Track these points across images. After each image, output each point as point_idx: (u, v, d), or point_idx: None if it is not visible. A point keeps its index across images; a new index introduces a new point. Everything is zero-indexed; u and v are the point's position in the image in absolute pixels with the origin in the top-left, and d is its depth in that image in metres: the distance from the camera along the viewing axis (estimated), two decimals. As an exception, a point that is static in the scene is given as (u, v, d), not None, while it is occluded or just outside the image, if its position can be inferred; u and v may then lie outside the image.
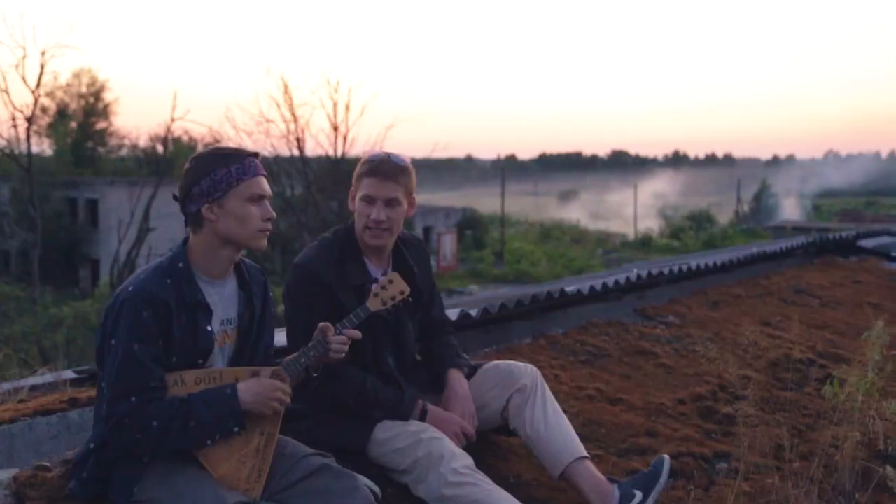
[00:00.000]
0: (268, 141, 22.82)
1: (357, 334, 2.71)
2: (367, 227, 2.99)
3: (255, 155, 2.58)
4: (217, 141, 43.48)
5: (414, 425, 2.92)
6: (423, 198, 26.88)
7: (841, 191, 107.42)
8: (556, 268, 49.33)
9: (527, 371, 3.17)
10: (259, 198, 2.52)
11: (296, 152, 22.50)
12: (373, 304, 2.79)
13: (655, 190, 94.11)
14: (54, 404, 3.51)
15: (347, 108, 22.61)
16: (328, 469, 2.51)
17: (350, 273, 3.01)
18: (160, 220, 25.18)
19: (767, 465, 3.66)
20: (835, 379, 4.23)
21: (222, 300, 2.58)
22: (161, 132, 41.81)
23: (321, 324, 2.67)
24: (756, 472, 3.57)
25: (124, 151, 49.57)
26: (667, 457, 3.02)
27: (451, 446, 2.84)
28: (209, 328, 2.53)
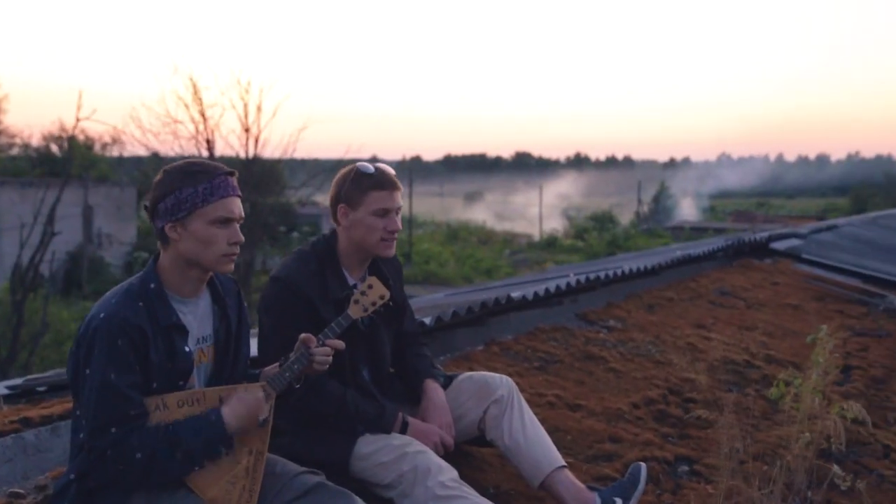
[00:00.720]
0: (176, 142, 22.23)
1: (340, 344, 2.66)
2: (382, 239, 2.98)
3: (231, 174, 2.45)
4: (115, 141, 42.16)
5: (397, 438, 2.90)
6: (306, 197, 26.61)
7: (733, 192, 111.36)
8: (465, 268, 49.57)
9: (502, 382, 3.19)
10: (226, 220, 2.39)
11: (205, 153, 21.96)
12: (354, 312, 2.75)
13: (559, 191, 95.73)
14: (4, 424, 3.36)
15: (259, 109, 22.23)
16: (323, 487, 2.47)
17: (331, 286, 2.97)
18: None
19: (724, 466, 3.76)
20: (780, 381, 4.40)
21: (196, 318, 2.50)
22: (55, 131, 40.33)
23: (302, 335, 2.61)
24: (717, 474, 3.66)
25: (15, 151, 47.52)
26: (643, 464, 3.08)
27: (436, 459, 2.82)
28: (187, 349, 2.44)
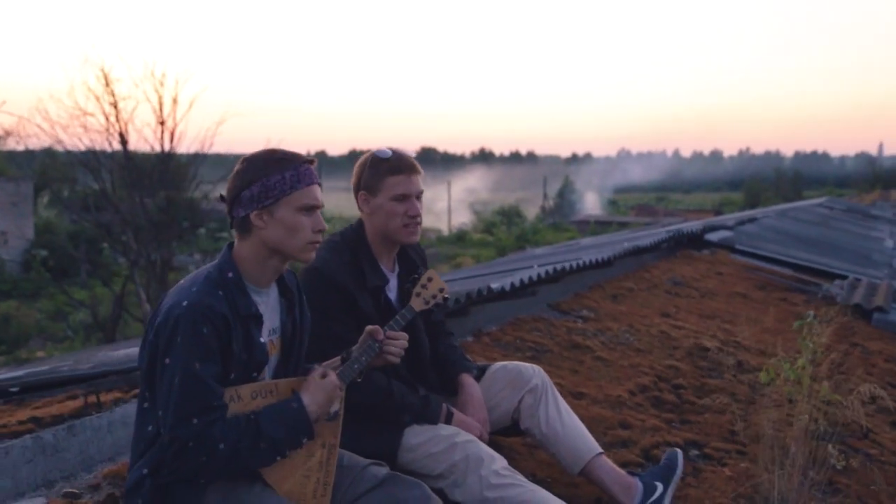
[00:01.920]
0: (86, 135, 21.40)
1: (405, 336, 2.63)
2: (405, 224, 2.94)
3: (312, 161, 2.43)
4: (10, 134, 40.41)
5: (445, 429, 2.88)
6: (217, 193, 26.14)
7: (634, 187, 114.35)
8: (375, 263, 49.43)
9: (535, 371, 3.20)
10: (311, 208, 2.38)
11: (118, 147, 21.26)
12: (416, 304, 2.73)
13: (466, 186, 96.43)
14: (14, 425, 3.20)
15: (175, 101, 21.59)
16: (396, 479, 2.44)
17: (367, 275, 2.93)
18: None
19: (729, 449, 3.87)
20: (769, 367, 4.55)
21: (268, 309, 2.45)
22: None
23: (369, 327, 2.58)
24: (727, 457, 3.77)
25: None
26: (679, 451, 3.14)
27: (487, 449, 2.82)
28: (262, 340, 2.38)
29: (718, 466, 3.63)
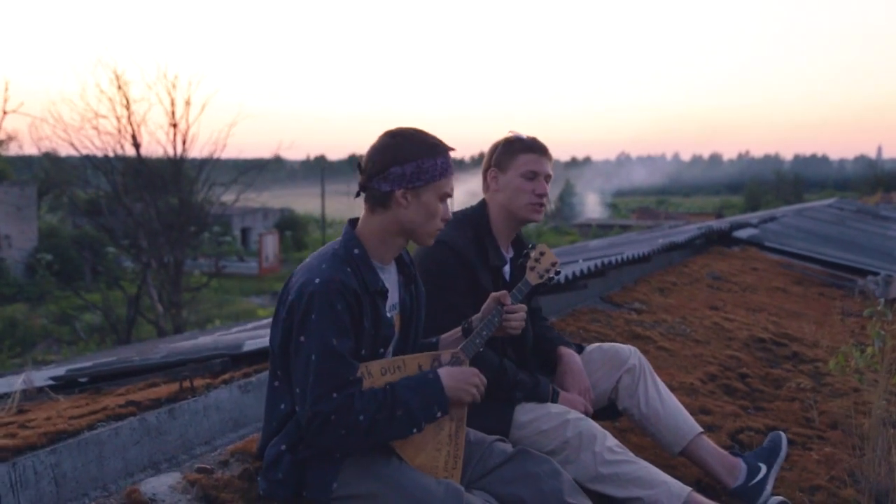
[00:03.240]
0: (98, 138, 21.39)
1: (524, 308, 2.65)
2: (531, 203, 2.98)
3: (453, 150, 2.47)
4: (11, 139, 40.35)
5: (554, 407, 2.90)
6: (232, 197, 25.95)
7: (634, 190, 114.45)
8: (379, 267, 49.50)
9: (632, 352, 3.22)
10: (446, 197, 2.43)
11: (131, 150, 21.28)
12: (532, 278, 2.76)
13: (468, 189, 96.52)
14: (115, 408, 3.21)
15: (188, 103, 21.59)
16: (526, 454, 2.46)
17: (490, 253, 2.97)
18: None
19: (810, 434, 3.89)
20: (840, 354, 4.57)
21: (390, 285, 2.47)
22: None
23: (495, 294, 2.60)
24: (809, 442, 3.78)
25: None
26: (783, 433, 3.15)
27: (598, 426, 2.83)
28: (388, 315, 2.41)
29: (805, 451, 3.64)
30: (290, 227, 57.29)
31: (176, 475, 2.43)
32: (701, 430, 3.09)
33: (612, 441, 2.80)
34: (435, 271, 2.89)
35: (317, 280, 2.25)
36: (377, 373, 2.35)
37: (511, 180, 2.99)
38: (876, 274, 9.14)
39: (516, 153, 3.00)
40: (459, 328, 2.63)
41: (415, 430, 2.32)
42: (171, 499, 2.29)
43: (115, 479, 2.89)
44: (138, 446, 3.00)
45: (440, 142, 2.40)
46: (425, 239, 2.42)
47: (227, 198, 24.33)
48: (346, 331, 2.25)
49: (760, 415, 4.05)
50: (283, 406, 2.35)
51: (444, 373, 2.37)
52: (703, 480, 3.09)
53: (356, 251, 2.36)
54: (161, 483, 2.36)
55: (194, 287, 24.97)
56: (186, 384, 3.40)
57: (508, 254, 3.12)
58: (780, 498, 2.70)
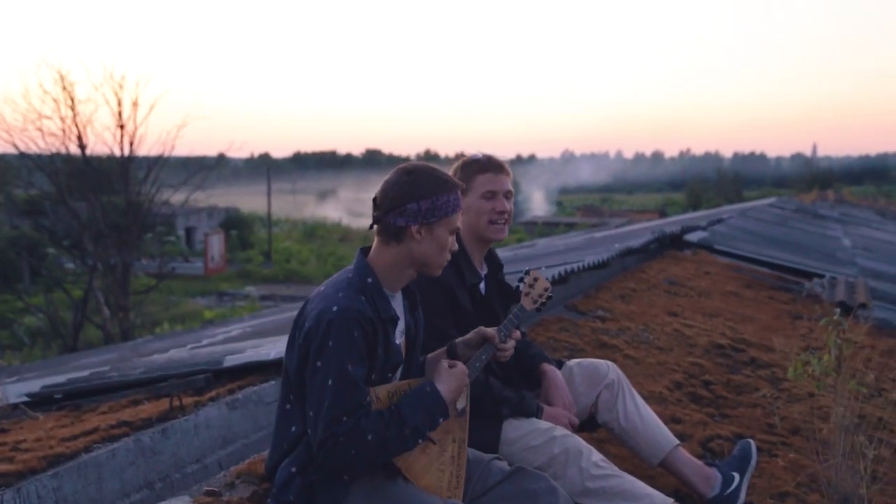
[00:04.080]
0: (42, 138, 20.96)
1: (518, 336, 2.77)
2: (491, 221, 3.08)
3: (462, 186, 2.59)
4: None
5: (541, 423, 3.01)
6: (181, 197, 25.59)
7: (579, 188, 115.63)
8: (327, 267, 49.32)
9: (610, 367, 3.35)
10: (457, 231, 2.53)
11: (76, 151, 20.89)
12: (527, 304, 2.87)
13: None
14: (106, 428, 3.25)
15: (135, 104, 21.28)
16: (523, 472, 2.57)
17: (465, 273, 3.07)
18: None
19: (774, 441, 4.08)
20: (798, 362, 4.77)
21: (398, 312, 2.56)
22: None
23: (483, 330, 2.71)
24: (775, 448, 3.97)
25: None
26: (752, 441, 3.31)
27: (583, 442, 2.96)
28: (398, 342, 2.50)
29: (771, 458, 3.82)
30: (236, 226, 56.69)
31: (185, 499, 2.49)
32: (678, 442, 3.23)
33: (597, 456, 2.92)
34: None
35: (335, 308, 2.34)
36: (385, 397, 2.45)
37: (472, 202, 3.08)
38: (821, 276, 9.48)
39: (474, 175, 3.09)
40: (444, 349, 2.74)
41: (421, 441, 2.42)
42: (185, 523, 2.35)
43: (114, 500, 2.95)
44: (134, 467, 3.05)
45: (452, 178, 2.51)
46: (435, 271, 2.52)
47: (177, 198, 24.01)
48: (362, 358, 2.35)
49: (727, 422, 4.22)
50: (293, 428, 2.43)
51: (440, 383, 2.48)
52: (680, 490, 3.23)
53: (369, 280, 2.45)
54: (173, 507, 2.41)
55: (142, 290, 24.61)
56: (176, 402, 3.45)
57: (482, 270, 3.22)
58: None
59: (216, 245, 47.59)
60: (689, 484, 3.18)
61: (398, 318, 2.50)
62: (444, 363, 2.56)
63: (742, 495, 3.13)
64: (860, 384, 4.82)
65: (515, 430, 2.99)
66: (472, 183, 3.10)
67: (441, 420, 2.46)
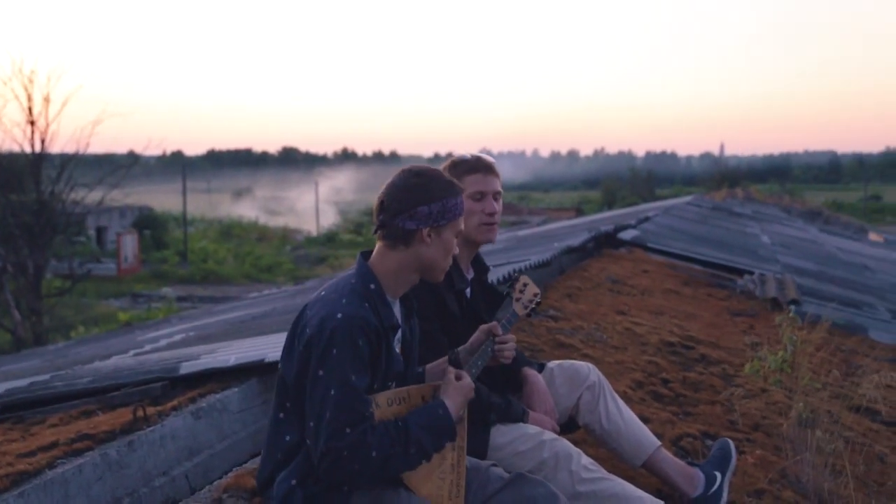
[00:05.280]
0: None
1: (514, 338, 2.73)
2: (482, 223, 3.01)
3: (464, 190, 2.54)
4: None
5: (529, 428, 2.96)
6: (92, 196, 24.64)
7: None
8: (245, 266, 48.51)
9: (590, 369, 3.33)
10: (460, 233, 2.48)
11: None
12: (518, 310, 2.82)
13: (332, 186, 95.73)
14: (67, 443, 3.06)
15: (47, 100, 20.43)
16: (523, 478, 2.51)
17: (454, 277, 2.99)
18: None
19: (738, 437, 4.11)
20: (755, 359, 4.85)
21: (398, 319, 2.48)
22: None
23: (485, 326, 2.66)
24: (741, 445, 4.00)
25: None
26: (729, 440, 3.32)
27: (572, 445, 2.91)
28: (398, 349, 2.42)
29: (740, 455, 3.84)
30: (150, 225, 55.30)
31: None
32: (659, 443, 3.22)
33: (586, 460, 2.88)
34: None
35: (339, 315, 2.24)
36: (384, 404, 2.36)
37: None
38: (750, 273, 9.70)
39: (462, 176, 3.01)
40: (445, 358, 2.67)
41: (424, 461, 2.34)
42: (180, 544, 2.21)
43: (79, 519, 2.77)
44: (101, 482, 2.89)
45: (455, 182, 2.45)
46: (438, 275, 2.45)
47: (92, 197, 23.20)
48: (365, 367, 2.26)
49: (691, 420, 4.25)
50: (288, 437, 2.33)
51: (450, 403, 2.40)
52: (662, 491, 3.22)
53: (372, 286, 2.36)
54: (164, 528, 2.27)
55: (56, 293, 23.72)
56: (140, 413, 3.27)
57: (469, 274, 3.16)
58: None
59: (129, 245, 46.31)
60: (672, 484, 3.17)
61: (399, 326, 2.42)
62: (452, 375, 2.48)
63: (725, 494, 3.14)
64: (812, 380, 4.93)
65: (504, 435, 2.93)
66: (461, 183, 3.02)
67: (447, 444, 2.38)
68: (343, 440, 2.18)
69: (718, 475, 3.18)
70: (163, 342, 6.73)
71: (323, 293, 2.37)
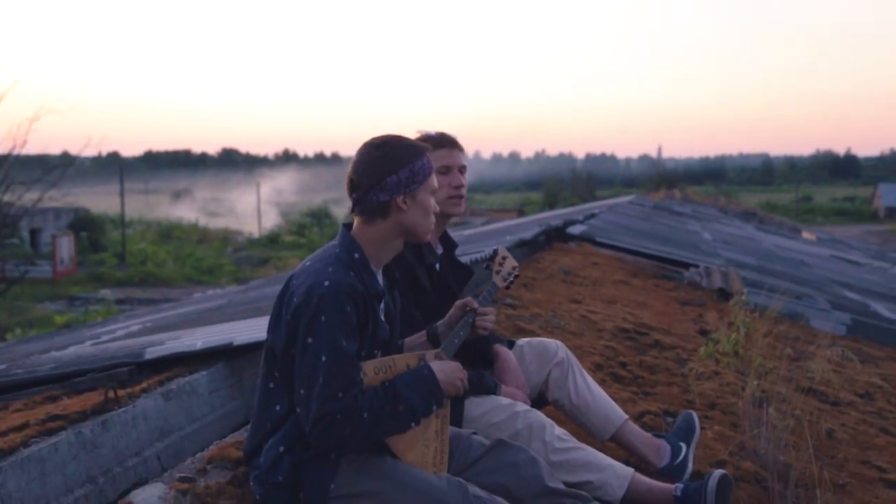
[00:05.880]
0: None
1: (494, 311, 2.78)
2: (449, 196, 3.08)
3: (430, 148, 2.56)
4: None
5: (502, 399, 3.02)
6: (27, 196, 23.99)
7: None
8: (185, 268, 47.85)
9: (559, 346, 3.41)
10: (435, 191, 2.52)
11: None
12: (498, 282, 2.88)
13: (274, 187, 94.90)
14: (38, 424, 3.02)
15: (-19, 96, 19.90)
16: (504, 444, 2.58)
17: (425, 252, 3.05)
18: None
19: (697, 415, 4.23)
20: (709, 341, 4.99)
21: (382, 287, 2.53)
22: None
23: (460, 302, 2.71)
24: (700, 422, 4.11)
25: None
26: (693, 413, 3.43)
27: (544, 416, 2.99)
28: (382, 318, 2.46)
29: (699, 430, 3.96)
30: (86, 227, 54.13)
31: (160, 486, 2.35)
32: (627, 416, 3.31)
33: (559, 430, 2.97)
34: None
35: (326, 283, 2.27)
36: (371, 372, 2.40)
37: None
38: (696, 266, 9.93)
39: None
40: (424, 332, 2.73)
41: (413, 424, 2.38)
42: (169, 511, 2.22)
43: (57, 496, 2.76)
44: (76, 461, 2.87)
45: (420, 142, 2.50)
46: (423, 236, 2.49)
47: (28, 197, 22.66)
48: (354, 333, 2.30)
49: (651, 399, 4.36)
50: (278, 407, 2.36)
51: (436, 368, 2.45)
52: (630, 462, 3.31)
53: (356, 255, 2.39)
54: (150, 495, 2.28)
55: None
56: (111, 394, 3.25)
57: (438, 250, 3.21)
58: (723, 471, 2.95)
59: (65, 247, 45.32)
60: (640, 455, 3.26)
61: (384, 294, 2.46)
62: (429, 353, 2.55)
63: (690, 464, 3.24)
64: (763, 362, 5.10)
65: (478, 407, 3.00)
66: None
67: (436, 407, 2.43)
68: (336, 404, 2.22)
69: (684, 446, 3.28)
70: (120, 332, 6.64)
71: (308, 263, 2.41)
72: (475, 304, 2.73)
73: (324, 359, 2.23)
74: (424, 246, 3.08)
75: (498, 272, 2.96)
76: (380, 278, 2.50)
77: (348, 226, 2.48)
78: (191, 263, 49.19)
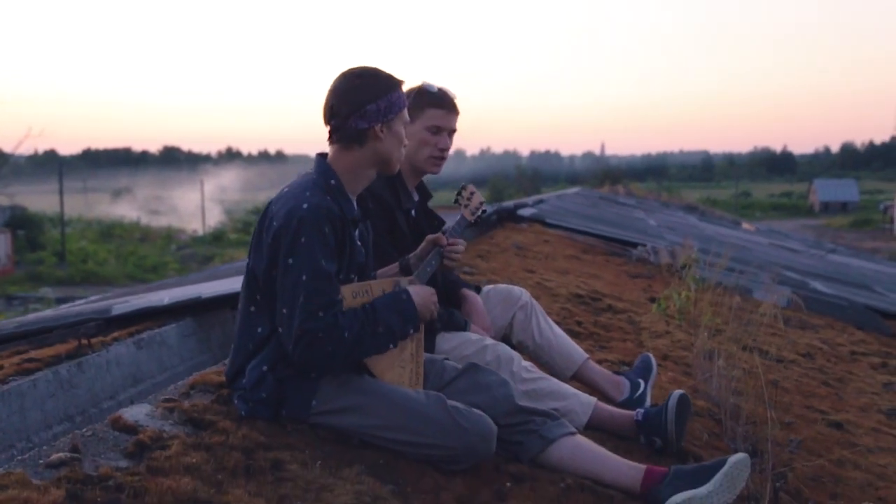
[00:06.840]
0: None
1: (464, 242, 2.89)
2: (432, 156, 3.14)
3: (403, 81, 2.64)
4: None
5: (471, 335, 3.14)
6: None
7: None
8: (128, 267, 47.14)
9: (522, 291, 3.54)
10: (407, 123, 2.61)
11: None
12: (467, 215, 2.99)
13: (219, 184, 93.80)
14: (19, 365, 3.07)
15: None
16: (476, 367, 2.69)
17: (402, 197, 3.14)
18: None
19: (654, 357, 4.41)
20: (660, 299, 5.17)
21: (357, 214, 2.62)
22: None
23: (430, 236, 2.81)
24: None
25: None
26: (650, 354, 3.59)
27: (511, 349, 3.11)
28: (358, 243, 2.55)
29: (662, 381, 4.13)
30: (23, 225, 52.94)
31: (147, 406, 2.41)
32: (587, 355, 3.46)
33: (525, 362, 3.10)
34: None
35: (304, 206, 2.35)
36: (349, 296, 2.49)
37: (416, 132, 3.12)
38: (644, 245, 10.18)
39: (424, 106, 3.14)
40: (396, 264, 2.83)
41: (391, 346, 2.48)
42: (156, 424, 2.29)
43: (37, 430, 2.81)
44: (54, 399, 2.93)
45: (393, 75, 2.58)
46: (394, 167, 2.59)
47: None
48: (333, 254, 2.38)
49: (606, 351, 4.52)
50: (260, 329, 2.43)
51: (413, 292, 2.55)
52: (592, 396, 3.45)
53: (332, 181, 2.48)
54: (138, 412, 2.34)
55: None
56: (84, 341, 3.30)
57: (415, 197, 3.31)
58: (682, 391, 3.10)
59: (2, 246, 44.29)
60: (601, 391, 3.40)
61: (360, 220, 2.55)
62: (402, 279, 2.64)
63: (648, 398, 3.40)
64: (712, 318, 5.30)
65: (448, 341, 3.11)
66: (421, 114, 3.13)
67: (412, 330, 2.53)
68: (317, 322, 2.31)
69: (642, 382, 3.44)
70: (79, 302, 6.61)
71: (286, 190, 2.49)
72: (444, 241, 2.83)
73: (304, 278, 2.31)
74: (402, 192, 3.17)
75: (466, 206, 3.06)
76: (354, 206, 2.59)
77: (324, 154, 2.57)
78: (133, 262, 48.48)
